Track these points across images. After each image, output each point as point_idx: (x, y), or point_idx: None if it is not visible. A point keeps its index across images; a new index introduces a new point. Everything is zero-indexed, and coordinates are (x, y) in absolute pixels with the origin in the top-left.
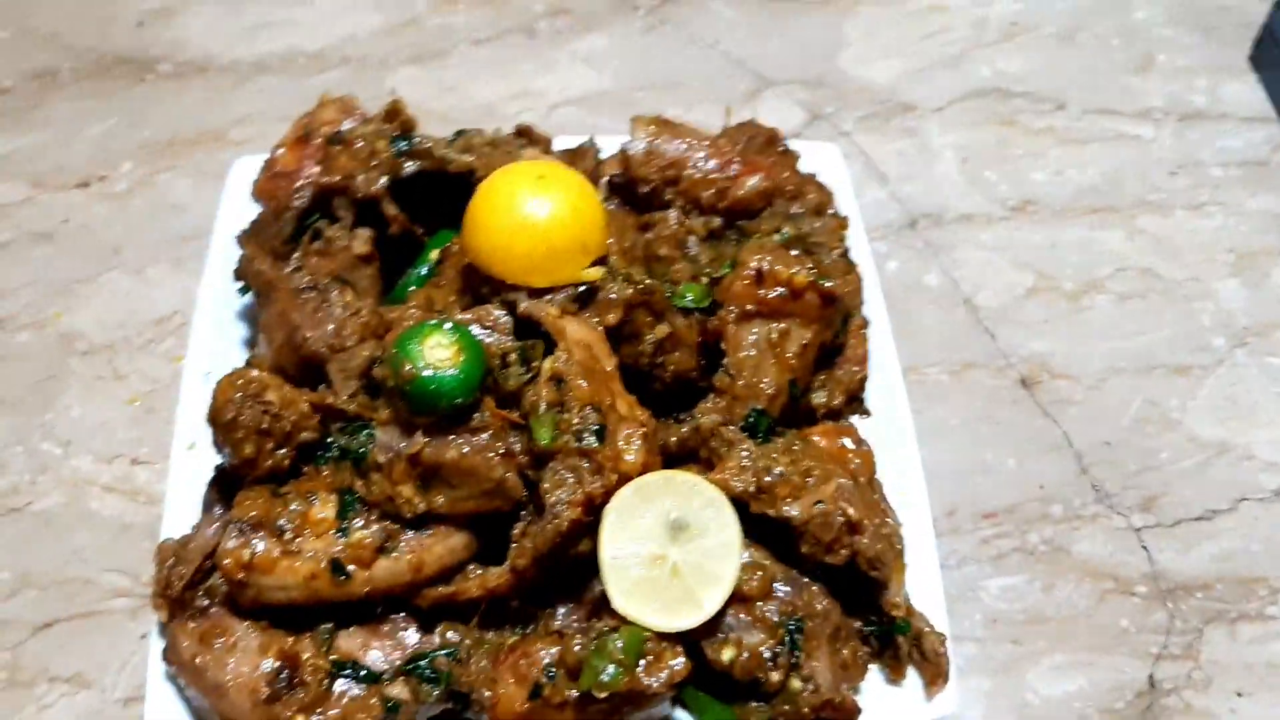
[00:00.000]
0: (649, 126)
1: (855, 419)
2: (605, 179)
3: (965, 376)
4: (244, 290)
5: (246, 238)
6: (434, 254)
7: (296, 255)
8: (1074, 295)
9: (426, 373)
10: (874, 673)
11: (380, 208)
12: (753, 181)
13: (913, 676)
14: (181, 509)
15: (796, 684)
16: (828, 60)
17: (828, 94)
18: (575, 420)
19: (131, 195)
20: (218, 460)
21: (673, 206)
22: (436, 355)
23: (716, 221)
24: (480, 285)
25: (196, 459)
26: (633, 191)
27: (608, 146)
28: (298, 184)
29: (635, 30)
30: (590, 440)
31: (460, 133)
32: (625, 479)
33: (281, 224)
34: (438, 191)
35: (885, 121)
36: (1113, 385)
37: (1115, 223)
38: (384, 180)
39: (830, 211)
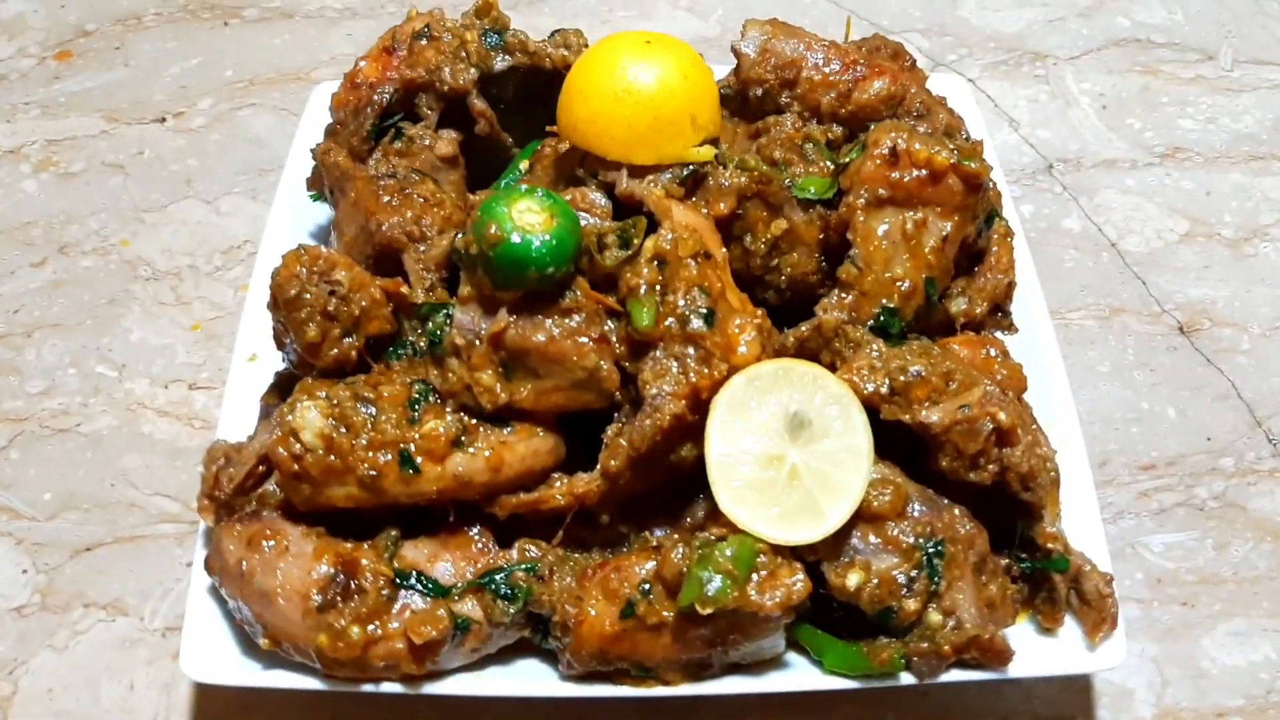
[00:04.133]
0: (764, 26)
1: (1000, 334)
2: None
3: (1114, 322)
4: (316, 198)
5: (323, 140)
6: (524, 165)
7: (375, 157)
8: (1235, 243)
9: (515, 237)
10: (1023, 621)
11: (468, 104)
12: (878, 85)
13: (1070, 625)
14: (238, 420)
15: (936, 617)
16: (950, 9)
17: (950, 42)
18: (681, 303)
19: (209, 130)
20: (278, 369)
21: (788, 112)
22: (526, 220)
23: (837, 130)
24: (575, 167)
25: (257, 371)
26: (744, 100)
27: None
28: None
29: None
30: (697, 324)
31: (557, 31)
32: (735, 372)
33: (361, 120)
34: (530, 97)
35: (1014, 69)
36: None
37: (1279, 170)
38: (473, 73)
39: (962, 136)
